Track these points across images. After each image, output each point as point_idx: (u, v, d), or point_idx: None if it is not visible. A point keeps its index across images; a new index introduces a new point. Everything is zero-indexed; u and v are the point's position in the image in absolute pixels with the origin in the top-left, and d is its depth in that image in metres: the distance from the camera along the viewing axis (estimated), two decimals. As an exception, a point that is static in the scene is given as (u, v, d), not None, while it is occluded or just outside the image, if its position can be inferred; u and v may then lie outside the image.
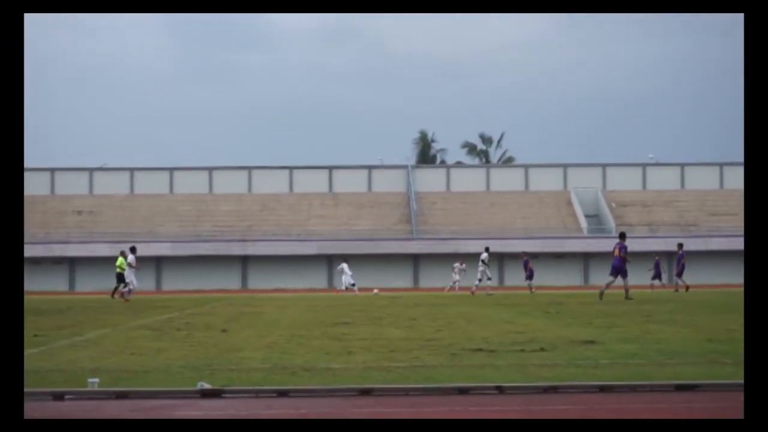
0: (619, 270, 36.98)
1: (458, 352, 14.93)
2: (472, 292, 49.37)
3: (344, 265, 56.35)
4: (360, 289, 55.10)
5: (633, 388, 10.80)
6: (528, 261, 56.69)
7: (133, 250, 44.76)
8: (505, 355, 14.31)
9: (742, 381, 11.03)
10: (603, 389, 10.72)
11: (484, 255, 51.82)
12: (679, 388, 10.77)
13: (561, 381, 11.18)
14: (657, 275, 57.75)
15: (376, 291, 52.38)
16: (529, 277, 55.43)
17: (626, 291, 36.14)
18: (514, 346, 15.86)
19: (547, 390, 10.67)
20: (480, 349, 15.25)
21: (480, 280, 50.81)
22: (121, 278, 46.85)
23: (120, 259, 47.56)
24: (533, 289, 53.23)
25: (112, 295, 46.24)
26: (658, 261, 59.31)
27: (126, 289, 43.59)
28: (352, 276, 55.58)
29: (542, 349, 15.13)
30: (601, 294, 35.61)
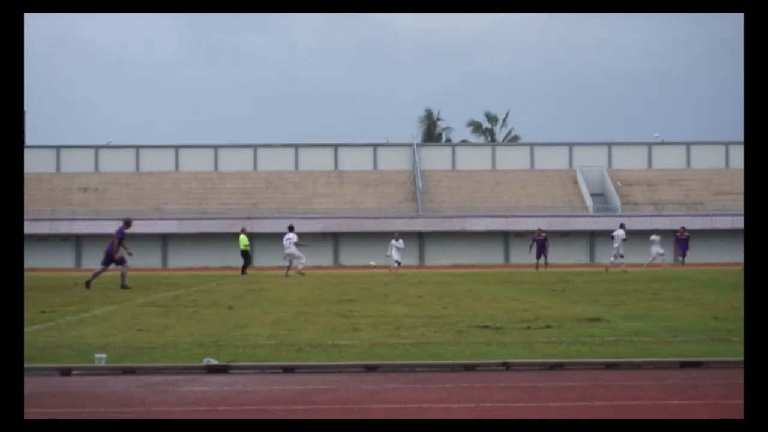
0: None
1: (464, 329, 14.96)
2: (624, 270, 49.24)
3: (395, 241, 55.03)
4: (359, 266, 54.61)
5: (638, 365, 10.82)
6: (546, 239, 55.80)
7: (291, 228, 45.92)
8: (511, 332, 14.33)
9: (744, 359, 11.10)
10: (609, 366, 10.74)
11: (620, 232, 51.12)
12: (685, 365, 10.80)
13: (567, 358, 11.20)
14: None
15: (372, 263, 52.02)
16: (545, 255, 54.87)
17: None
18: (520, 323, 15.89)
19: (553, 367, 10.70)
20: (486, 326, 15.28)
21: (615, 257, 50.35)
22: (246, 255, 49.10)
23: (242, 237, 48.90)
24: (539, 267, 52.98)
25: (243, 272, 48.30)
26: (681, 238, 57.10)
27: (300, 264, 44.93)
28: (399, 252, 54.40)
29: (548, 327, 15.16)
30: None
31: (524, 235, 76.50)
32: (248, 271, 48.90)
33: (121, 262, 31.25)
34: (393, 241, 53.45)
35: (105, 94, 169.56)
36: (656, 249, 53.31)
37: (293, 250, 44.81)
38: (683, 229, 55.44)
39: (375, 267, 48.73)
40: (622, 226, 52.27)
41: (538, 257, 54.45)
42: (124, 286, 29.72)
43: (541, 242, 55.00)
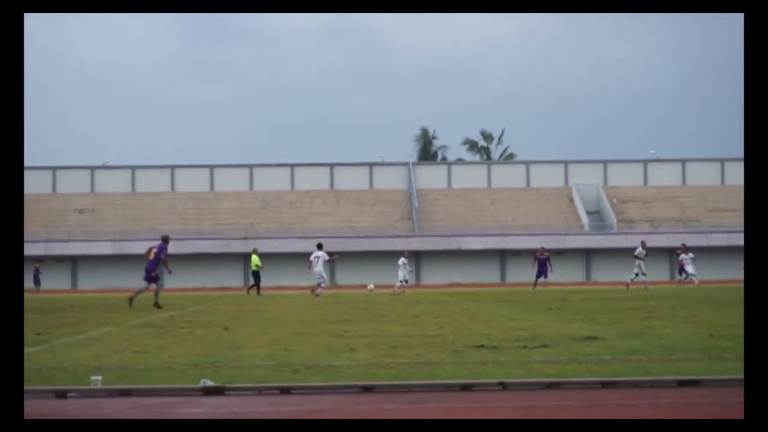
0: None
1: (461, 348, 14.94)
2: (627, 286, 48.74)
3: (403, 260, 54.90)
4: (355, 287, 54.30)
5: (635, 384, 10.80)
6: (548, 258, 55.29)
7: (320, 246, 45.18)
8: (507, 352, 14.31)
9: (743, 376, 11.08)
10: (605, 385, 10.72)
11: (639, 250, 50.28)
12: (681, 383, 10.78)
13: (563, 377, 11.18)
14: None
15: (371, 286, 51.83)
16: (545, 274, 54.23)
17: None
18: (516, 342, 15.88)
19: (549, 386, 10.68)
20: (482, 346, 15.26)
21: (636, 274, 49.65)
22: (257, 276, 49.23)
23: (254, 257, 48.91)
24: (536, 286, 52.78)
25: (257, 292, 48.68)
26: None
27: (319, 284, 44.11)
28: (407, 272, 54.13)
29: (545, 345, 15.14)
30: None
31: (521, 253, 76.56)
32: (251, 291, 48.67)
33: (155, 279, 32.16)
34: (403, 259, 53.32)
35: (100, 114, 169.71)
36: (691, 269, 52.36)
37: (321, 269, 44.15)
38: (684, 246, 54.70)
39: (373, 290, 48.35)
40: (642, 244, 51.28)
41: (538, 276, 54.08)
42: (157, 304, 30.58)
43: (542, 261, 54.58)
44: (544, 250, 56.62)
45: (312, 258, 44.57)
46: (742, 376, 11.04)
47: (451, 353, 14.21)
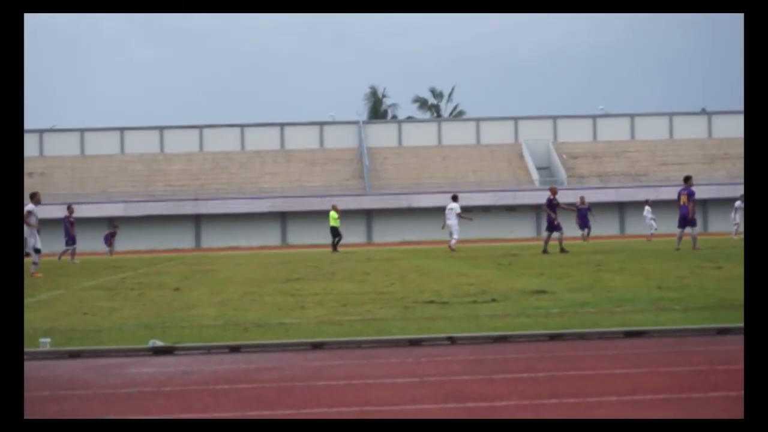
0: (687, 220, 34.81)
1: (411, 304, 15.03)
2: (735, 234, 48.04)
3: (648, 208, 54.55)
4: (306, 246, 54.14)
5: (582, 336, 10.92)
6: (590, 208, 52.85)
7: (455, 198, 42.90)
8: (457, 307, 14.41)
9: (689, 327, 11.24)
10: (553, 338, 10.84)
11: (739, 202, 48.63)
12: (628, 334, 10.92)
13: (512, 331, 11.29)
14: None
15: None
16: (588, 227, 51.79)
17: (693, 240, 34.43)
18: (466, 297, 15.98)
19: (497, 339, 10.78)
20: (432, 302, 15.35)
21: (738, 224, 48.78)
22: (335, 232, 48.65)
23: (332, 213, 48.51)
24: (585, 239, 51.01)
25: (335, 249, 47.81)
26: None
27: (453, 240, 41.58)
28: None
29: (494, 300, 15.26)
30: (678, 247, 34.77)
31: (471, 210, 76.80)
32: (339, 249, 47.92)
33: (559, 228, 36.50)
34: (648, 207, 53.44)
35: (48, 76, 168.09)
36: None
37: (454, 221, 41.78)
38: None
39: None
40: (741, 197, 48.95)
41: (582, 228, 51.44)
42: (563, 251, 34.83)
43: (584, 212, 51.76)
44: (584, 199, 53.69)
45: (447, 211, 42.25)
46: (687, 327, 11.25)
47: (401, 309, 14.30)
